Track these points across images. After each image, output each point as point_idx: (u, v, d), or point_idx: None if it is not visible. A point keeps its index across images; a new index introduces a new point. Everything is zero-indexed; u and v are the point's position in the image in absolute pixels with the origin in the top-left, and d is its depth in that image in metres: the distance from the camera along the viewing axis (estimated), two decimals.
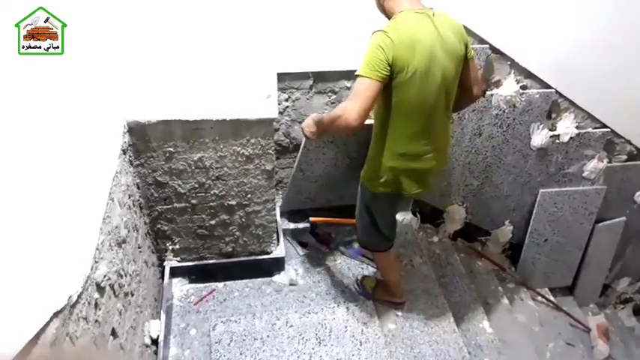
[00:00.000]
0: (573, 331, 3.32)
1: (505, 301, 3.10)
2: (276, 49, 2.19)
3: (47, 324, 1.08)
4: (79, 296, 1.30)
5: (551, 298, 3.41)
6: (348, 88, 2.55)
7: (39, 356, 1.04)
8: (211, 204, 2.34)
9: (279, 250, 2.66)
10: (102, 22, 1.67)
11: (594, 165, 3.04)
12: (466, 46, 1.91)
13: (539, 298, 3.36)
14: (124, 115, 1.96)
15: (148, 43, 1.83)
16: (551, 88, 2.69)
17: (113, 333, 1.63)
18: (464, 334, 2.60)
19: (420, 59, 1.75)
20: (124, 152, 1.97)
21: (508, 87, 2.64)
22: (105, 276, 1.53)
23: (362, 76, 1.74)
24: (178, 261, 2.55)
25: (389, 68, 1.73)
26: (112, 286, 1.62)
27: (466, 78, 1.97)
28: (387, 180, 2.00)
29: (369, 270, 2.75)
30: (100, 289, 1.50)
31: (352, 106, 1.73)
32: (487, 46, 2.47)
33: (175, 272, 2.55)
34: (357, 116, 1.71)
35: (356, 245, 2.77)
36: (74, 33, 1.40)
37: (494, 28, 2.42)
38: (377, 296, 2.58)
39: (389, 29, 1.76)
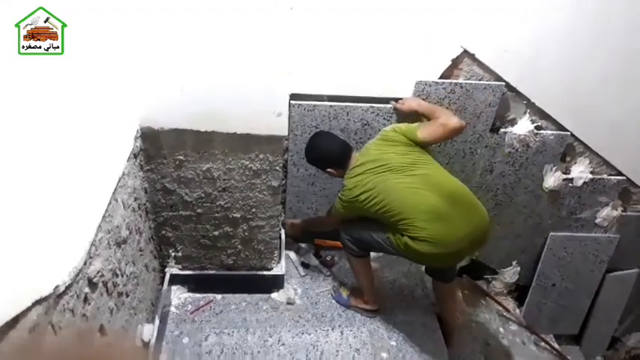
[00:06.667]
0: None
1: (506, 342, 3.04)
2: (293, 69, 2.25)
3: (28, 309, 1.11)
4: (68, 288, 1.33)
5: (556, 345, 3.31)
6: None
7: (17, 340, 1.06)
8: (216, 215, 2.38)
9: (279, 267, 2.67)
10: (105, 23, 1.69)
11: (608, 212, 2.98)
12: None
13: (543, 343, 3.27)
14: (138, 120, 2.02)
15: (159, 49, 1.85)
16: (567, 130, 2.66)
17: (101, 330, 1.65)
18: None
19: None
20: (135, 156, 2.02)
21: (522, 126, 2.62)
22: (99, 272, 1.56)
23: None
24: (179, 269, 2.58)
25: None
26: (105, 284, 1.65)
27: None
28: None
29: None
30: (92, 284, 1.53)
31: None
32: (503, 83, 2.47)
33: (175, 279, 2.58)
34: None
35: (344, 294, 2.70)
36: (77, 33, 1.42)
37: (510, 66, 2.43)
38: (351, 303, 2.66)
39: None
